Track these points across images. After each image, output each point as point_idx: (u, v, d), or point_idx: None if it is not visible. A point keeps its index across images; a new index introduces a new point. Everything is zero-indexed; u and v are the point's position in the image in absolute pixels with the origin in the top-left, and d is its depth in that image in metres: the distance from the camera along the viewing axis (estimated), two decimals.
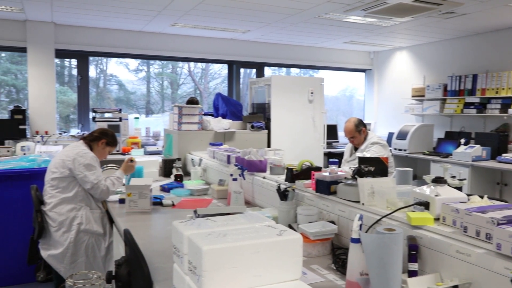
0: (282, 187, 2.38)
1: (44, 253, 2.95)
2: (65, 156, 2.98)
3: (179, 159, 3.90)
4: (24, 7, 5.11)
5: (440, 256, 1.51)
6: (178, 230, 1.41)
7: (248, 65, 7.66)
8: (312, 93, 5.45)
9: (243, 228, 1.41)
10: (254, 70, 7.92)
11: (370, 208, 1.89)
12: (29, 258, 3.12)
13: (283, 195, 2.33)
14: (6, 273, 3.79)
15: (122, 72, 9.24)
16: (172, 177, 3.66)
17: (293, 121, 5.39)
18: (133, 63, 9.03)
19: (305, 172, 2.49)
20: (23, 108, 5.73)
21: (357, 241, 1.52)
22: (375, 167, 2.23)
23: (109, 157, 5.24)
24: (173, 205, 2.92)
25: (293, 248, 1.32)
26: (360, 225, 1.55)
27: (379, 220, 1.75)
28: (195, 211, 2.21)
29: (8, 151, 5.20)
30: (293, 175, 2.50)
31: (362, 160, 2.33)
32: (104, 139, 3.17)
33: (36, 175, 3.74)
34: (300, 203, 2.35)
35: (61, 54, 6.26)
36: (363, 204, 1.94)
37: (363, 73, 8.60)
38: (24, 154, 5.05)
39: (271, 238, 1.31)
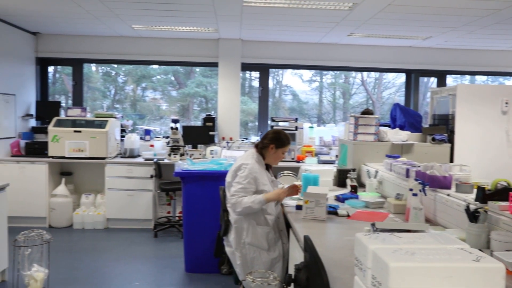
0: (472, 207, 2.16)
1: (227, 249, 3.25)
2: (236, 164, 3.22)
3: (353, 170, 3.87)
4: (219, 27, 5.76)
5: None
6: (362, 242, 1.39)
7: (428, 73, 7.19)
8: (506, 103, 4.81)
9: (432, 248, 1.32)
10: (432, 79, 7.40)
11: None
12: (216, 252, 3.47)
13: (472, 216, 2.12)
14: (195, 261, 4.31)
15: (296, 83, 9.66)
16: (348, 187, 3.64)
17: (482, 135, 4.83)
18: (307, 74, 9.35)
19: (501, 193, 2.21)
20: (213, 116, 6.45)
21: None
22: None
23: (284, 164, 5.54)
24: (348, 215, 2.91)
25: (493, 278, 1.19)
26: None
27: None
28: (372, 225, 2.16)
29: (200, 154, 5.92)
30: (485, 195, 2.25)
31: None
32: (272, 144, 3.19)
33: (222, 177, 4.10)
34: (493, 227, 2.10)
35: (245, 67, 6.87)
36: None
37: None
38: (213, 157, 5.68)
39: (467, 263, 1.20)
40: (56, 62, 6.98)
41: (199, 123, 6.90)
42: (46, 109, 6.49)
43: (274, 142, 3.20)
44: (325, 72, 9.13)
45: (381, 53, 6.82)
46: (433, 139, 4.57)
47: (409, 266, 1.18)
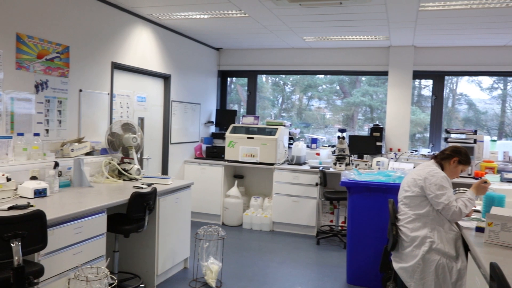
0: None
1: (395, 265, 3.11)
2: (417, 175, 3.05)
3: None
4: (390, 35, 5.59)
5: None
6: None
7: None
8: None
9: None
10: None
11: None
12: (381, 266, 3.36)
13: None
14: (358, 274, 4.23)
15: (473, 91, 8.74)
16: None
17: None
18: (487, 80, 8.39)
19: None
20: (381, 126, 6.27)
21: None
22: None
23: (461, 180, 5.07)
24: None
25: None
26: None
27: None
28: None
29: (365, 164, 5.81)
30: None
31: None
32: (456, 157, 3.08)
33: (390, 189, 4.00)
34: None
35: (417, 75, 6.51)
36: None
37: None
38: (379, 168, 5.51)
39: None
40: (234, 74, 7.67)
41: (363, 132, 6.79)
42: (224, 117, 7.20)
43: (458, 155, 3.10)
44: (510, 78, 8.08)
45: None
46: None
47: None
